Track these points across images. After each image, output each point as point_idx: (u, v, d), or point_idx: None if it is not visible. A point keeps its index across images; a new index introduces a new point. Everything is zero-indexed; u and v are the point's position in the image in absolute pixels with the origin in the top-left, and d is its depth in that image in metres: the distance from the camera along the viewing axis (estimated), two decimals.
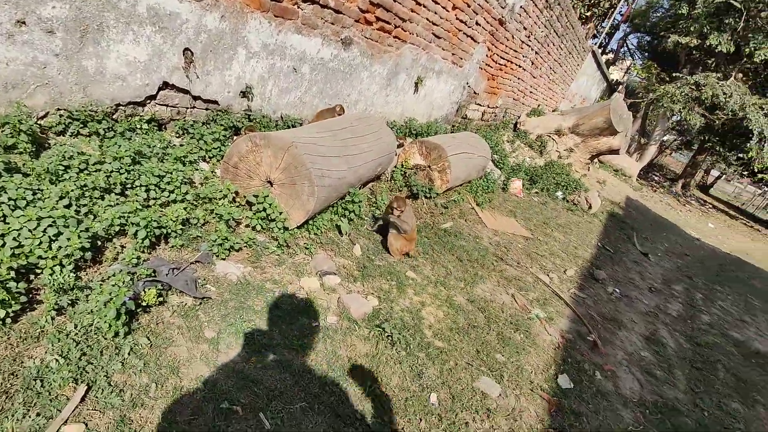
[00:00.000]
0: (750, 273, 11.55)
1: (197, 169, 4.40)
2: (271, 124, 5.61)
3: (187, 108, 4.79)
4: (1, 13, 3.07)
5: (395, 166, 6.75)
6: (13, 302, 2.25)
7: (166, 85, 4.41)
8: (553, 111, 15.10)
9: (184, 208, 3.66)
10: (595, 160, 14.88)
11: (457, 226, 6.43)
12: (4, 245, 2.40)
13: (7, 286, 2.27)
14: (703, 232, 15.27)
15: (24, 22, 3.17)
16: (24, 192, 2.82)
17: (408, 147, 6.93)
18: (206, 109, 4.97)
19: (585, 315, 5.44)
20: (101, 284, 2.60)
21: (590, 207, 10.44)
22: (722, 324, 7.08)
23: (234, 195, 4.17)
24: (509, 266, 5.89)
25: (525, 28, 10.27)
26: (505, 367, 3.76)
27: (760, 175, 21.35)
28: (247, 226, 4.09)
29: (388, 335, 3.41)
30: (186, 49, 4.34)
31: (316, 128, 4.82)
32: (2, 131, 3.24)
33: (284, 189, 4.15)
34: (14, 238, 2.46)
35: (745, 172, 23.33)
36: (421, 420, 2.87)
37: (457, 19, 7.97)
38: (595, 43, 21.37)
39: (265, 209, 4.06)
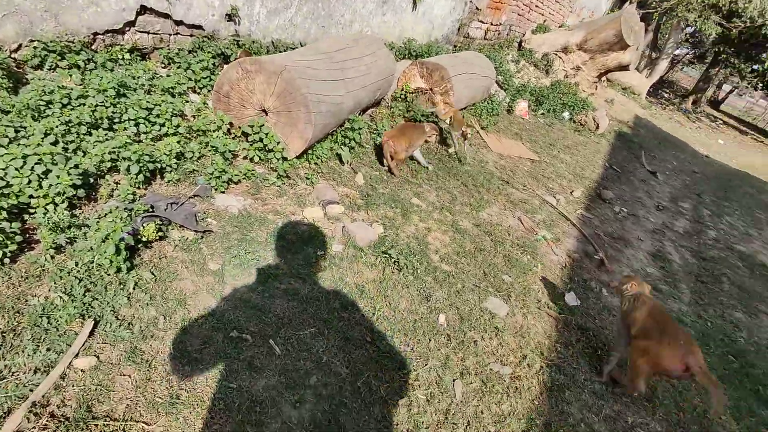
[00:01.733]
0: (758, 188, 11.42)
1: (188, 101, 4.19)
2: (262, 51, 5.28)
3: (170, 35, 4.47)
4: None
5: (395, 91, 6.45)
6: (9, 242, 2.19)
7: (144, 10, 4.08)
8: (559, 27, 14.22)
9: (178, 142, 3.52)
10: (603, 78, 14.23)
11: (462, 150, 6.24)
12: None
13: (1, 226, 2.20)
14: (713, 149, 14.94)
15: None
16: (5, 129, 2.68)
17: (408, 69, 6.57)
18: (191, 36, 4.65)
19: (592, 234, 5.41)
20: (98, 221, 2.53)
21: (598, 127, 10.12)
22: (728, 238, 7.08)
23: (228, 126, 3.99)
24: (515, 189, 5.79)
25: None
26: (513, 288, 3.78)
27: None
28: (244, 158, 3.96)
29: (395, 261, 3.39)
30: None
31: (310, 51, 4.52)
32: None
33: (280, 117, 3.96)
34: (1, 178, 2.35)
35: (760, 85, 22.36)
36: (430, 340, 2.91)
37: None
38: None
39: (261, 139, 3.90)
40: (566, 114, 10.04)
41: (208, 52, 4.64)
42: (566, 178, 6.92)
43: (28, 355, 1.88)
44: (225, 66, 4.32)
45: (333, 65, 4.43)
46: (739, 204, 9.27)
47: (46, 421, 1.71)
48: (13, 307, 2.04)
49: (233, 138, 4.04)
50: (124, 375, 1.98)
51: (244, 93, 3.94)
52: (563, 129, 9.43)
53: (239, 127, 4.02)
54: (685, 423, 3.03)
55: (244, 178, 3.68)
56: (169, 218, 2.80)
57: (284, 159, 4.00)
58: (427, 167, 5.28)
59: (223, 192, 3.43)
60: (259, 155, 3.90)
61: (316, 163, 4.30)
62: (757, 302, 5.25)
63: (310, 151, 4.30)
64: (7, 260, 2.18)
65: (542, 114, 9.65)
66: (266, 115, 4.01)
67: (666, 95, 23.48)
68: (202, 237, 2.89)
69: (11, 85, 3.15)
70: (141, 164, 2.97)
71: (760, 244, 7.38)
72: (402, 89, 6.48)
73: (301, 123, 3.91)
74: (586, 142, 9.16)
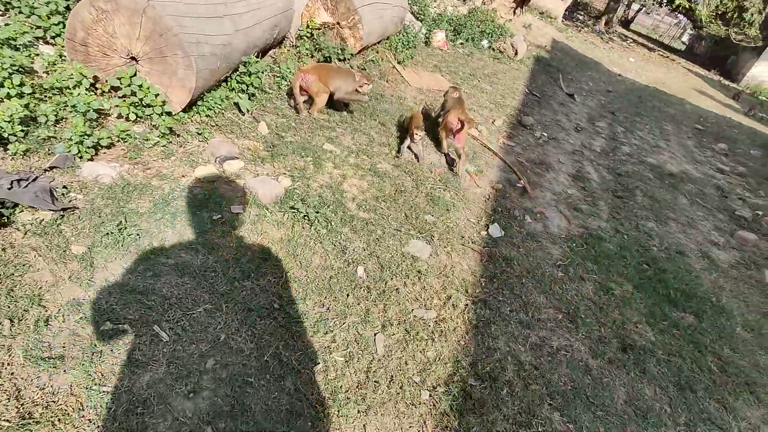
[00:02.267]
0: (665, 101, 12.02)
1: (37, 54, 3.47)
2: None
3: None
4: None
5: (299, 28, 5.85)
6: None
7: None
8: None
9: (25, 105, 2.90)
10: (525, 6, 14.03)
11: (378, 88, 5.87)
12: None
13: None
14: (625, 68, 15.46)
15: None
16: None
17: (311, 2, 5.94)
18: None
19: (514, 162, 5.37)
20: None
21: (516, 53, 10.01)
22: (640, 153, 7.39)
23: (92, 81, 3.36)
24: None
25: None
26: (435, 227, 3.63)
27: (677, 2, 21.33)
28: (119, 117, 3.38)
29: (304, 215, 3.10)
30: None
31: None
32: None
33: (154, 65, 3.38)
34: None
35: (664, 1, 23.20)
36: (348, 295, 2.71)
37: None
38: None
39: (135, 93, 3.32)
40: (485, 42, 9.81)
41: None
42: (487, 107, 6.79)
43: None
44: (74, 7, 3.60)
45: None
46: (649, 118, 9.70)
47: None
48: None
49: (101, 94, 3.43)
50: None
51: (104, 38, 3.30)
52: (483, 58, 9.23)
53: (106, 81, 3.40)
54: (606, 337, 3.12)
55: (119, 141, 3.15)
56: (11, 199, 2.29)
57: (168, 114, 3.47)
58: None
59: (91, 159, 2.91)
60: (136, 112, 3.34)
61: (208, 116, 3.79)
62: (667, 210, 5.53)
63: (199, 102, 3.77)
64: None
65: (461, 44, 9.35)
66: (137, 63, 3.41)
67: (581, 17, 23.84)
68: (63, 216, 2.43)
69: None
70: None
71: (668, 154, 7.79)
72: (307, 26, 5.88)
73: (180, 70, 3.36)
74: (506, 70, 9.04)
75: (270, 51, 5.28)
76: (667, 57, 22.68)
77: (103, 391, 1.77)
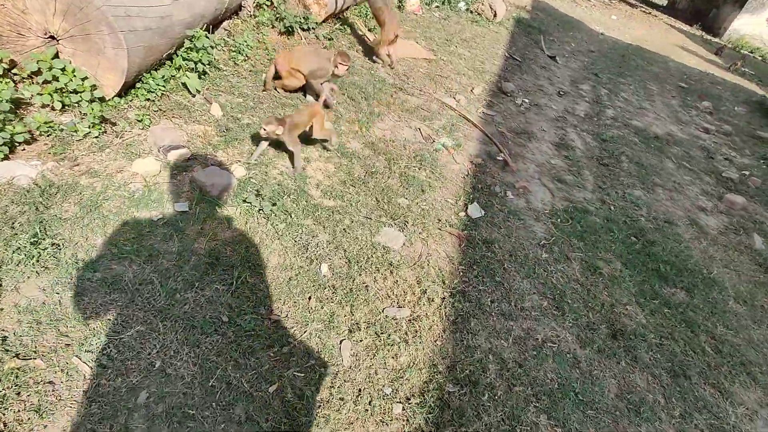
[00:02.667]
0: (648, 59, 11.67)
1: None
2: None
3: None
4: None
5: None
6: None
7: None
8: None
9: None
10: None
11: None
12: None
13: None
14: (607, 25, 14.99)
15: None
16: None
17: None
18: None
19: (494, 133, 5.05)
20: None
21: (495, 15, 9.51)
22: (625, 115, 7.11)
23: (7, 66, 2.93)
24: (411, 96, 5.19)
25: None
26: (410, 211, 3.34)
27: None
28: (43, 106, 2.97)
29: (259, 209, 2.77)
30: None
31: None
32: None
33: (78, 44, 2.95)
34: None
35: None
36: (310, 298, 2.43)
37: None
38: None
39: (57, 78, 2.90)
40: (462, 4, 9.28)
41: None
42: (466, 74, 6.40)
43: None
44: None
45: None
46: (633, 78, 9.38)
47: None
48: None
49: (21, 81, 3.00)
50: None
51: (14, 15, 2.85)
52: (460, 21, 8.74)
53: (23, 66, 2.97)
54: (595, 323, 2.90)
55: (40, 135, 2.76)
56: None
57: (99, 100, 3.06)
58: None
59: (6, 158, 2.53)
60: (61, 99, 2.93)
61: (149, 99, 3.37)
62: (654, 176, 5.30)
63: (138, 85, 3.36)
64: None
65: (437, 7, 8.83)
66: (58, 43, 2.97)
67: None
68: None
69: None
70: None
71: (653, 116, 7.52)
72: None
73: (108, 49, 2.94)
74: (484, 33, 8.59)
75: (223, 23, 4.80)
76: (650, 13, 22.17)
77: None
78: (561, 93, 7.19)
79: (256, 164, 3.22)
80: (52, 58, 2.91)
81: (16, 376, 1.65)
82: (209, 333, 2.06)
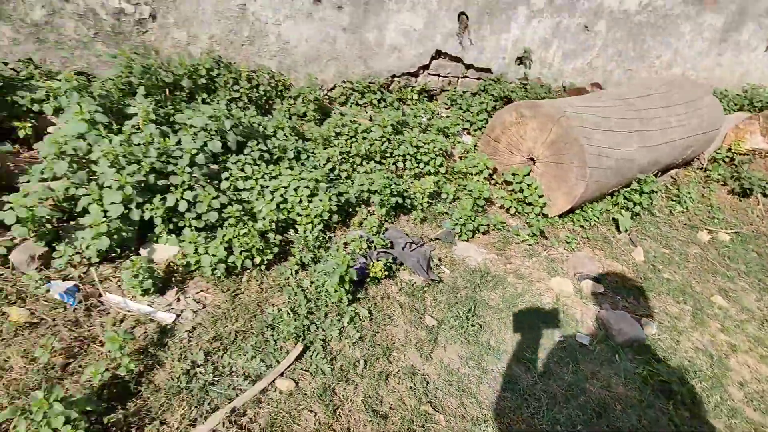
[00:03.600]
0: None
1: (459, 142, 4.18)
2: (551, 95, 4.89)
3: (458, 77, 4.61)
4: None
5: (717, 150, 4.98)
6: (269, 251, 2.49)
7: (438, 54, 4.31)
8: None
9: (436, 182, 3.49)
10: None
11: None
12: (273, 199, 2.69)
13: (267, 236, 2.52)
14: None
15: (319, 0, 3.52)
16: (299, 155, 3.16)
17: (743, 124, 4.98)
18: (478, 78, 4.69)
19: None
20: (338, 248, 2.66)
21: None
22: None
23: (491, 172, 3.76)
24: None
25: None
26: None
27: None
28: (501, 207, 3.65)
29: (663, 379, 2.42)
30: (461, 12, 4.10)
31: (604, 97, 3.88)
32: (298, 101, 3.75)
33: (548, 168, 3.48)
34: (282, 195, 2.74)
35: None
36: None
37: None
38: None
39: (522, 190, 3.51)
40: None
41: (491, 95, 4.57)
42: None
43: (247, 360, 2.04)
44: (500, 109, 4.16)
45: (629, 114, 3.66)
46: None
47: (234, 430, 1.77)
48: (252, 310, 2.28)
49: (494, 185, 3.79)
50: (311, 411, 1.92)
51: (515, 138, 3.65)
52: None
53: (502, 174, 3.74)
54: None
55: (493, 229, 3.37)
56: (401, 259, 2.72)
57: (544, 215, 3.49)
58: None
59: (467, 240, 3.20)
60: (517, 207, 3.52)
61: (581, 226, 3.60)
62: None
63: (577, 211, 3.64)
64: (263, 267, 2.49)
65: None
66: (534, 164, 3.60)
67: None
68: (429, 285, 2.71)
69: (319, 117, 3.75)
70: (389, 199, 3.03)
71: None
72: (729, 149, 4.96)
73: (571, 177, 3.33)
74: None
75: (671, 170, 4.68)
76: None
77: None
78: None
79: (670, 328, 2.87)
80: (525, 175, 3.54)
81: (425, 420, 1.99)
82: None
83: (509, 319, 2.64)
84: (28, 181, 2.47)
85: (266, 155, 2.96)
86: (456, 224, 3.17)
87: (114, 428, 1.70)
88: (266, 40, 3.55)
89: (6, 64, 3.06)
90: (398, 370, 2.18)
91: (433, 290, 2.69)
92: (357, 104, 4.11)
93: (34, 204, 2.21)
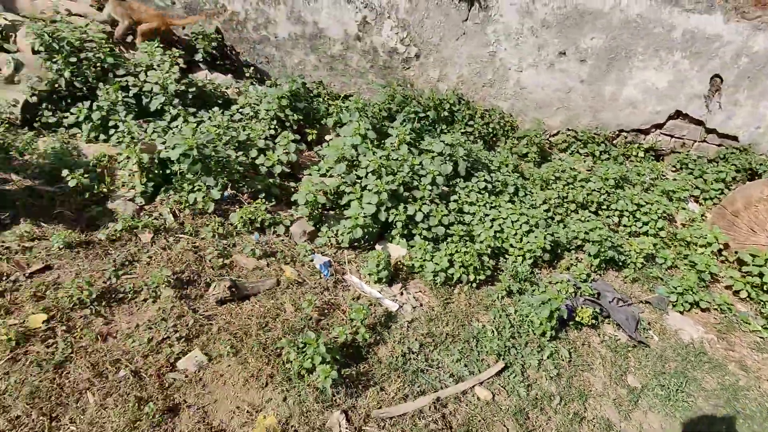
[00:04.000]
0: None
1: (684, 208, 3.88)
2: None
3: (694, 141, 4.27)
4: (549, 46, 3.72)
5: None
6: (482, 272, 2.74)
7: (677, 115, 4.09)
8: None
9: (654, 244, 3.33)
10: None
11: None
12: (492, 226, 2.96)
13: (482, 258, 2.79)
14: None
15: (564, 53, 3.71)
16: (518, 191, 3.38)
17: None
18: (718, 145, 4.27)
19: None
20: (547, 285, 2.77)
21: None
22: None
23: (721, 247, 3.41)
24: None
25: None
26: None
27: None
28: (727, 287, 3.28)
29: None
30: (715, 75, 3.83)
31: None
32: (521, 142, 3.99)
33: None
34: (500, 224, 2.99)
35: None
36: None
37: None
38: None
39: (762, 275, 3.10)
40: None
41: (733, 164, 4.11)
42: None
43: (453, 361, 2.30)
44: (747, 182, 3.74)
45: None
46: None
47: (438, 416, 2.03)
48: (461, 320, 2.54)
49: (722, 261, 3.43)
50: (504, 426, 2.08)
51: (760, 217, 3.25)
52: None
53: (735, 252, 3.36)
54: None
55: (715, 309, 3.05)
56: (609, 312, 2.70)
57: None
58: None
59: (681, 312, 2.97)
60: (750, 292, 3.12)
61: None
62: None
63: None
64: (474, 285, 2.75)
65: None
66: None
67: None
68: (635, 346, 2.62)
69: (539, 159, 3.93)
70: (604, 252, 3.01)
71: None
72: None
73: None
74: None
75: None
76: None
77: None
78: None
79: None
80: (767, 259, 3.12)
81: None
82: None
83: (727, 409, 2.38)
84: (310, 174, 3.22)
85: (489, 186, 3.26)
86: (672, 292, 2.98)
87: (347, 380, 2.11)
88: (505, 84, 3.90)
89: (304, 84, 4.02)
90: (593, 418, 2.19)
91: (638, 352, 2.59)
92: (578, 152, 4.16)
93: (316, 192, 2.88)
